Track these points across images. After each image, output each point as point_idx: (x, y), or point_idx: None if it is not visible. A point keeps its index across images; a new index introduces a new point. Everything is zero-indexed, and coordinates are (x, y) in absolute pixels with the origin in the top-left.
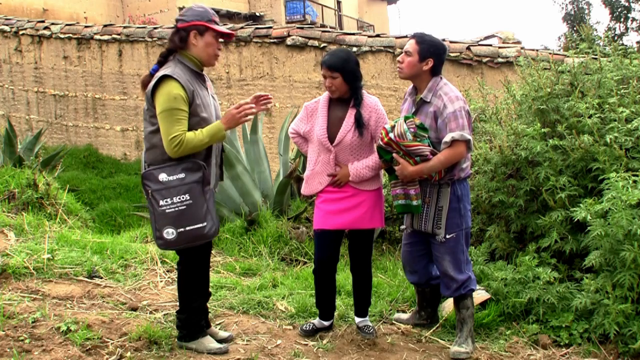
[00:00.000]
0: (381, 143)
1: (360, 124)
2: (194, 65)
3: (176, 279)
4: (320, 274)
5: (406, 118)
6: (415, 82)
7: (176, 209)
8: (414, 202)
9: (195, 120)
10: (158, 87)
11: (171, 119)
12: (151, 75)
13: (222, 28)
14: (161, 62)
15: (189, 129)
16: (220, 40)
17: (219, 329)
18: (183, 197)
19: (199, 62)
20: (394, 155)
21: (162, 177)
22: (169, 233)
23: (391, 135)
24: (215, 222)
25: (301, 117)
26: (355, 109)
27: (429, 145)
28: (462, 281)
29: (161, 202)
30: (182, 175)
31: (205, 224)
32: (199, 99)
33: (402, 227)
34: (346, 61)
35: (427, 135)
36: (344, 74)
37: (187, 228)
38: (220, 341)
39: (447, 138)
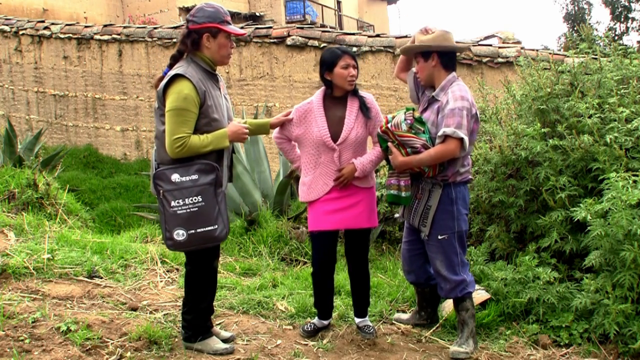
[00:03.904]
0: (379, 131)
1: (365, 108)
2: (207, 65)
3: (176, 279)
4: (320, 276)
5: (407, 109)
6: (435, 83)
7: (188, 210)
8: (403, 194)
9: (206, 121)
10: (170, 86)
11: (178, 119)
12: (163, 77)
13: (235, 29)
14: (172, 65)
15: (199, 129)
16: (233, 38)
17: (220, 329)
18: (195, 199)
19: (211, 62)
20: (389, 144)
21: (175, 177)
22: (179, 234)
23: (389, 124)
24: (226, 225)
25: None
26: (356, 97)
27: (425, 140)
28: (456, 282)
29: (173, 203)
30: (195, 177)
31: (216, 226)
32: (211, 99)
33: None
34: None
35: (424, 129)
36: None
37: (198, 230)
38: (222, 341)
39: (440, 132)
